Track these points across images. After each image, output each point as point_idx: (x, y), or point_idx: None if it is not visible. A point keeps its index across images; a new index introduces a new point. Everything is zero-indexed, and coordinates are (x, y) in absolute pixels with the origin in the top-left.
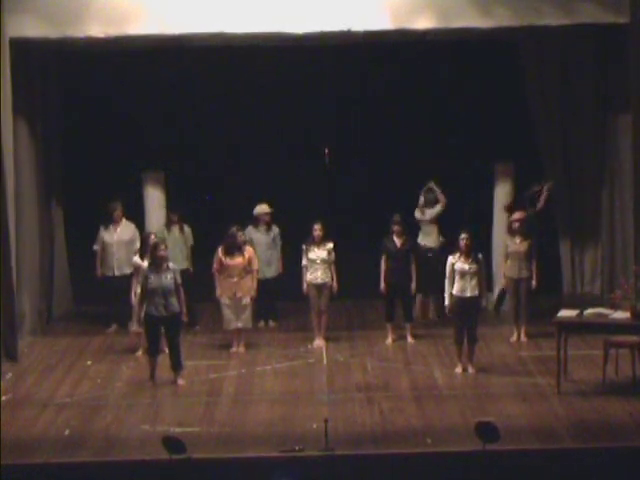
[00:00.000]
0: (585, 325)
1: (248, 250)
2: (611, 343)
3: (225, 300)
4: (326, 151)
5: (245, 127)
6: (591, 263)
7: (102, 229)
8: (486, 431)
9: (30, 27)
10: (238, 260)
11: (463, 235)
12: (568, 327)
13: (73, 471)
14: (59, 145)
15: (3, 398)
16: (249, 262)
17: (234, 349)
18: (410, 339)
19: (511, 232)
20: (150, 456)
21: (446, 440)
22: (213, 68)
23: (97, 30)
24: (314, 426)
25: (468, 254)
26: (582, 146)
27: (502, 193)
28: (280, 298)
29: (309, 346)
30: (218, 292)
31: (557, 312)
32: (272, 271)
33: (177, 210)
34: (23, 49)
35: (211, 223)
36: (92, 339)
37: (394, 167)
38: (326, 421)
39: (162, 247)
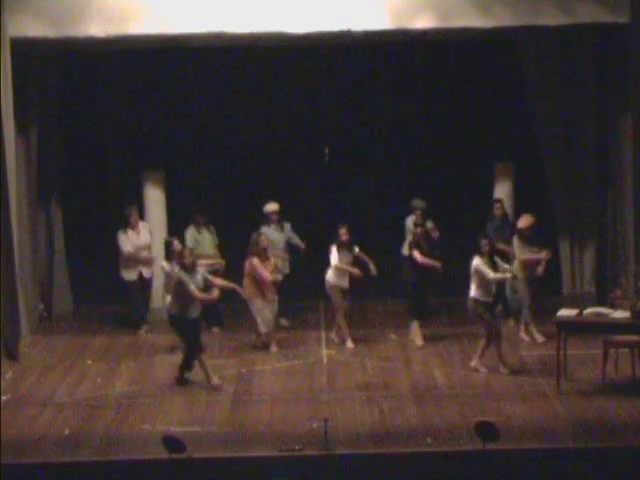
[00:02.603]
0: (585, 325)
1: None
2: (611, 342)
3: (262, 303)
4: (326, 151)
5: (245, 127)
6: (591, 263)
7: (121, 233)
8: (486, 430)
9: (30, 27)
10: (270, 264)
11: (484, 241)
12: (568, 327)
13: (73, 470)
14: (58, 145)
15: (3, 398)
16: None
17: (274, 349)
18: (417, 339)
19: (522, 239)
20: (150, 455)
21: (446, 439)
22: (213, 68)
23: (97, 30)
24: (314, 426)
25: (491, 259)
26: (582, 146)
27: (502, 193)
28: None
29: (346, 345)
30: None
31: (557, 312)
32: (286, 268)
33: (203, 211)
34: (22, 48)
35: (211, 223)
36: (92, 339)
37: (393, 167)
38: (326, 420)
39: (187, 254)
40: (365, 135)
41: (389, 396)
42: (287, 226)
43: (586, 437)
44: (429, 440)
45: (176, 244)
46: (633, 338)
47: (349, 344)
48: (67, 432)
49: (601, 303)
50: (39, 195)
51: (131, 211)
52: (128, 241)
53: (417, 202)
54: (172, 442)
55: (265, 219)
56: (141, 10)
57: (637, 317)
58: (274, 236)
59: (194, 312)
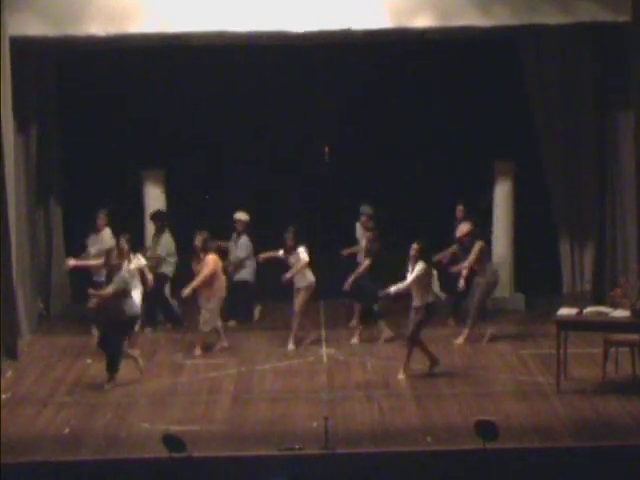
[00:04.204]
0: (585, 323)
1: (208, 257)
2: (611, 341)
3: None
4: (326, 150)
5: (245, 125)
6: (591, 262)
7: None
8: (486, 429)
9: (30, 25)
10: (198, 265)
11: (414, 245)
12: (568, 325)
13: (73, 469)
14: (58, 143)
15: (3, 396)
16: (214, 268)
17: (197, 352)
18: (385, 337)
19: (463, 247)
20: (150, 454)
21: (446, 438)
22: (214, 67)
23: (98, 28)
24: (314, 424)
25: (415, 262)
26: (582, 144)
27: (502, 191)
28: (253, 301)
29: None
30: None
31: (557, 311)
32: (240, 275)
33: (156, 217)
34: (22, 47)
35: (211, 223)
36: (91, 337)
37: (393, 165)
38: (326, 419)
39: (113, 256)
40: (365, 133)
41: (389, 395)
42: (243, 238)
43: (586, 436)
44: (429, 439)
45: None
46: (633, 337)
47: (290, 346)
48: (67, 431)
49: (599, 302)
50: (38, 193)
51: (98, 215)
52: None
53: (363, 207)
54: (172, 441)
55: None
56: (141, 9)
57: (637, 316)
58: (230, 244)
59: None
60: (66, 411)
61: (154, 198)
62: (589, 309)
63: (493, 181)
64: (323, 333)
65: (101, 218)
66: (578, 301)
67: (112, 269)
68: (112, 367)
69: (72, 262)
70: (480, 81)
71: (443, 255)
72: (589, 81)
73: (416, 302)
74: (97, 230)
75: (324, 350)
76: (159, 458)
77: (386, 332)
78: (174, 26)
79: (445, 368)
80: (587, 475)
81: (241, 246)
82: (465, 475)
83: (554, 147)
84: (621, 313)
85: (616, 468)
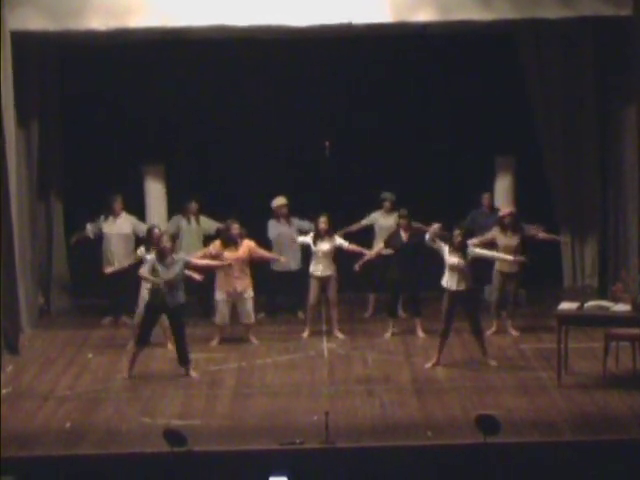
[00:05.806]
0: (586, 318)
1: (245, 244)
2: (612, 336)
3: (222, 296)
4: (327, 144)
5: (246, 120)
6: (591, 256)
7: (102, 219)
8: (487, 424)
9: (31, 20)
10: (236, 254)
11: (457, 232)
12: (569, 320)
13: (74, 464)
14: (59, 138)
15: (4, 391)
16: (251, 254)
17: (214, 343)
18: (421, 333)
19: (502, 228)
20: (151, 449)
21: (447, 433)
22: (214, 61)
23: (98, 23)
24: (314, 419)
25: (460, 249)
26: (583, 138)
27: (503, 187)
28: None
29: (302, 338)
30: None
31: (558, 305)
32: (297, 264)
33: (195, 200)
34: (23, 41)
35: (212, 218)
36: (92, 332)
37: (393, 160)
38: (327, 414)
39: (165, 239)
40: (365, 128)
41: (390, 389)
42: (294, 220)
43: (587, 430)
44: (430, 433)
45: (156, 231)
46: (634, 331)
47: (305, 334)
48: (68, 425)
49: (603, 296)
50: (39, 188)
51: (114, 199)
52: (103, 228)
53: (385, 194)
54: (173, 435)
55: (274, 214)
56: (141, 3)
57: (638, 310)
58: (282, 230)
59: (161, 300)
60: (67, 405)
61: (154, 192)
62: (590, 303)
63: (494, 176)
64: (324, 327)
65: (118, 202)
66: (579, 295)
67: (164, 251)
68: (181, 359)
69: (109, 270)
70: (481, 75)
71: (483, 240)
72: (590, 76)
73: (461, 286)
74: (115, 214)
75: (325, 344)
76: (160, 453)
77: (390, 331)
78: (174, 20)
79: (446, 362)
80: (588, 469)
81: (304, 226)
82: (466, 469)
83: (555, 142)
84: (622, 307)
85: (616, 462)
